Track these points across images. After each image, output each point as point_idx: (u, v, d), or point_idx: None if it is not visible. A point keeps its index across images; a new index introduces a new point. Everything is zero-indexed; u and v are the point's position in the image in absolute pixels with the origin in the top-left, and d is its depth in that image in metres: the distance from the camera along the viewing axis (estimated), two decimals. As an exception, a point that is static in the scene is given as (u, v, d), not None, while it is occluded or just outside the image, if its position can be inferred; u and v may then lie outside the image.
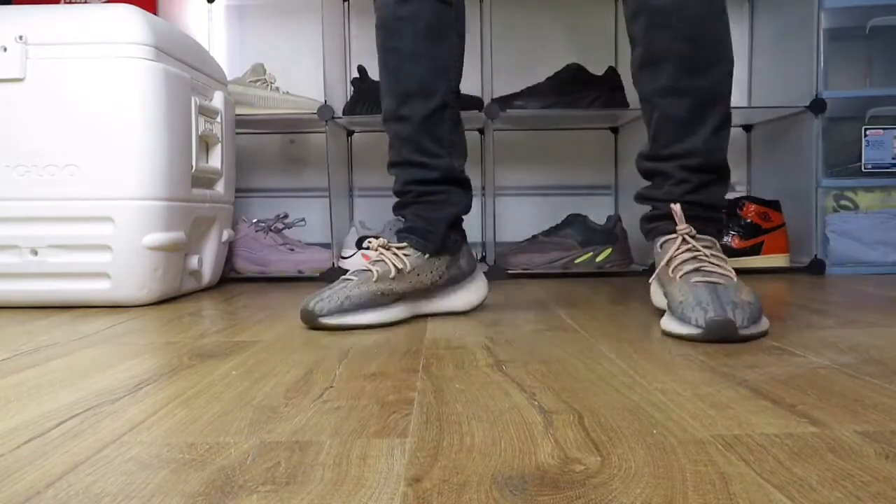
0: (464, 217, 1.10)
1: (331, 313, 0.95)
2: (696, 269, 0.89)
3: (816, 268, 1.62)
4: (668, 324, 0.87)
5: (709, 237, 0.95)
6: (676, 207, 0.93)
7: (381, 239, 1.04)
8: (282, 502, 0.39)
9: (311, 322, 0.95)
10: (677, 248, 0.93)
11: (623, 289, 1.39)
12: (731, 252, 1.64)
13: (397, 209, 1.09)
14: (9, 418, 0.56)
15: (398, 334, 0.92)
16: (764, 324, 0.86)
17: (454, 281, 1.08)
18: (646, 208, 1.03)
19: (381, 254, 1.02)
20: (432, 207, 1.06)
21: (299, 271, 1.64)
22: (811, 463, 0.43)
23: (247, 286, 1.53)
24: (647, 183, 1.04)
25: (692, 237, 0.93)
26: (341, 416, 0.55)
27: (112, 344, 0.88)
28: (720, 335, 0.80)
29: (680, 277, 0.89)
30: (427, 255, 1.04)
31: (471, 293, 1.10)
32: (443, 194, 1.06)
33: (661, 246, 0.97)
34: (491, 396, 0.60)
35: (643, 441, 0.48)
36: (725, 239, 1.66)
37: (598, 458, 0.45)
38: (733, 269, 0.92)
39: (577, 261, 1.64)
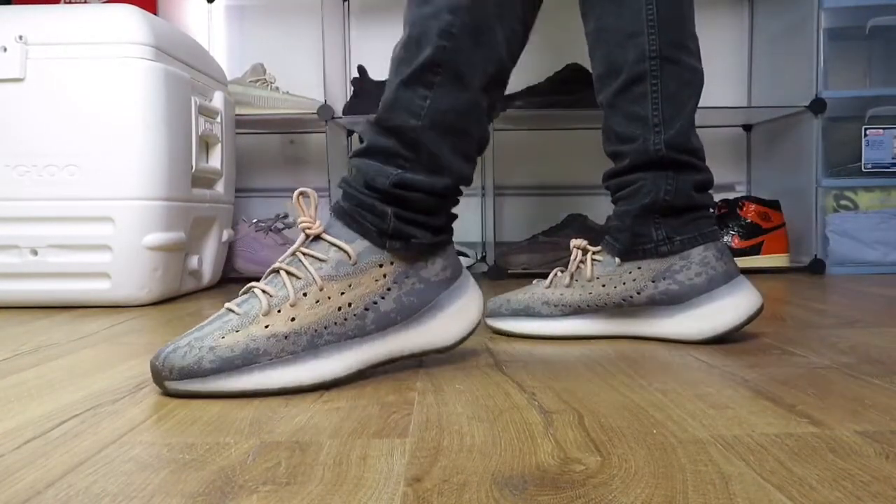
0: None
1: None
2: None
3: (816, 268, 1.62)
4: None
5: None
6: (295, 195, 0.72)
7: None
8: (282, 502, 0.39)
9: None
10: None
11: (623, 289, 1.39)
12: (731, 252, 1.64)
13: None
14: (9, 418, 0.56)
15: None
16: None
17: (669, 300, 0.84)
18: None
19: None
20: None
21: (299, 271, 1.63)
22: (811, 463, 0.43)
23: (247, 286, 1.52)
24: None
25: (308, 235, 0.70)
26: (341, 416, 0.55)
27: (112, 344, 0.88)
28: (155, 378, 0.63)
29: None
30: (616, 260, 0.87)
31: (697, 319, 0.82)
32: None
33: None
34: (491, 396, 0.60)
35: (643, 441, 0.48)
36: (725, 238, 1.66)
37: (598, 458, 0.45)
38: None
39: (578, 261, 1.64)
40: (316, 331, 0.64)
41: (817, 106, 1.60)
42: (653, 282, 0.83)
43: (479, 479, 0.42)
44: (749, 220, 1.66)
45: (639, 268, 0.84)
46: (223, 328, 0.62)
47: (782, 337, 0.85)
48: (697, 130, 0.86)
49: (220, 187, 1.48)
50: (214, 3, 1.90)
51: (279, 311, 0.63)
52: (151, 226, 1.21)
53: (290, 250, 0.67)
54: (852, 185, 1.64)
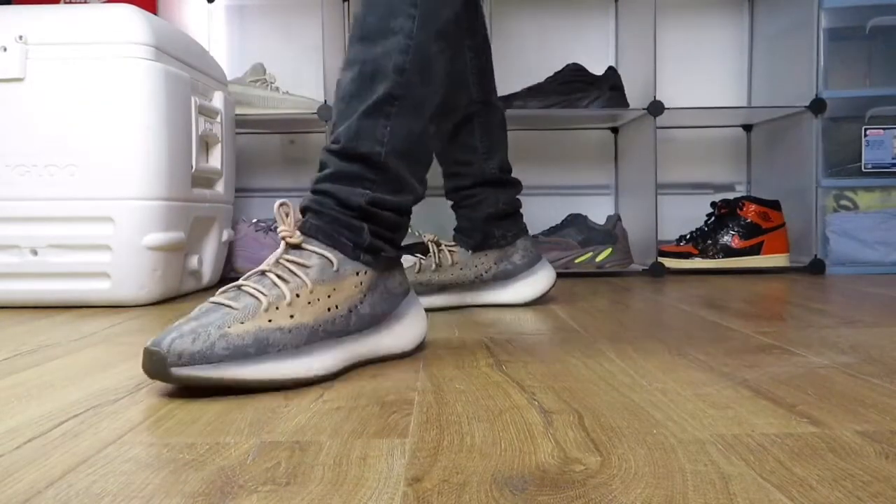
0: (517, 213, 1.20)
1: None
2: (239, 287, 0.69)
3: (816, 268, 1.62)
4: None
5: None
6: (276, 204, 0.76)
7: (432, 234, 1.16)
8: (282, 502, 0.39)
9: None
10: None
11: (623, 289, 1.39)
12: (731, 252, 1.64)
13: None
14: (9, 418, 0.56)
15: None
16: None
17: (505, 276, 1.16)
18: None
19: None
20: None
21: (299, 271, 1.63)
22: (811, 463, 0.43)
23: (247, 286, 1.52)
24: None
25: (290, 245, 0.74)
26: (341, 416, 0.55)
27: (112, 344, 0.88)
28: (149, 369, 0.61)
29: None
30: (470, 251, 1.15)
31: (524, 287, 1.17)
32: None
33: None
34: (491, 396, 0.60)
35: (643, 441, 0.48)
36: (726, 238, 1.66)
37: (598, 458, 0.45)
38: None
39: (577, 260, 1.64)
40: (313, 328, 0.67)
41: (817, 106, 1.60)
42: (495, 264, 1.17)
43: (479, 479, 0.42)
44: (749, 220, 1.66)
45: (486, 255, 1.16)
46: (226, 319, 0.63)
47: (782, 337, 0.85)
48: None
49: (220, 187, 1.48)
50: (214, 3, 1.90)
51: (277, 308, 0.66)
52: (151, 226, 1.21)
53: (271, 258, 0.70)
54: (852, 185, 1.64)
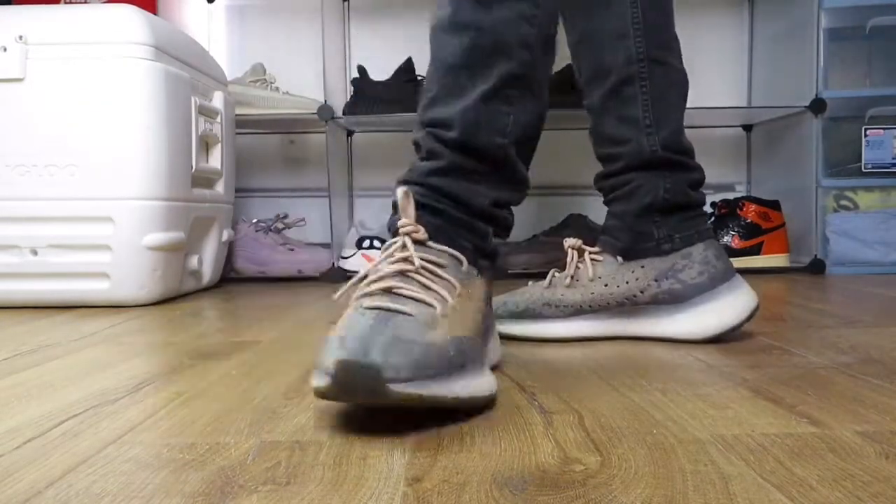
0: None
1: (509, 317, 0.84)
2: (388, 290, 0.58)
3: (816, 268, 1.62)
4: None
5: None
6: (399, 192, 0.64)
7: (573, 240, 0.87)
8: (282, 502, 0.39)
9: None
10: (385, 255, 0.61)
11: (623, 289, 1.39)
12: (731, 252, 1.64)
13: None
14: (9, 418, 0.56)
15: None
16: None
17: (673, 298, 0.82)
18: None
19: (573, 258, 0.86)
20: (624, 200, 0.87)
21: (299, 271, 1.64)
22: (811, 463, 0.43)
23: (247, 286, 1.53)
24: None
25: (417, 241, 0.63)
26: (341, 416, 0.55)
27: (112, 344, 0.88)
28: (354, 387, 0.49)
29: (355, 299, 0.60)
30: (618, 259, 0.84)
31: (702, 316, 0.82)
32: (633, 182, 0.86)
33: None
34: (491, 396, 0.60)
35: (643, 441, 0.48)
36: (725, 239, 1.66)
37: (599, 458, 0.45)
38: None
39: (578, 261, 1.64)
40: (475, 335, 0.59)
41: (817, 106, 1.60)
42: (656, 281, 0.82)
43: (479, 479, 0.42)
44: (749, 220, 1.66)
45: (642, 267, 0.83)
46: (418, 328, 0.53)
47: (782, 337, 0.85)
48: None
49: (220, 187, 1.48)
50: (214, 3, 1.90)
51: (444, 316, 0.56)
52: (151, 226, 1.21)
53: (396, 254, 0.59)
54: (852, 185, 1.64)
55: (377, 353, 0.49)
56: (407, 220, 0.60)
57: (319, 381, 0.49)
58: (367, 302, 0.55)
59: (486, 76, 0.64)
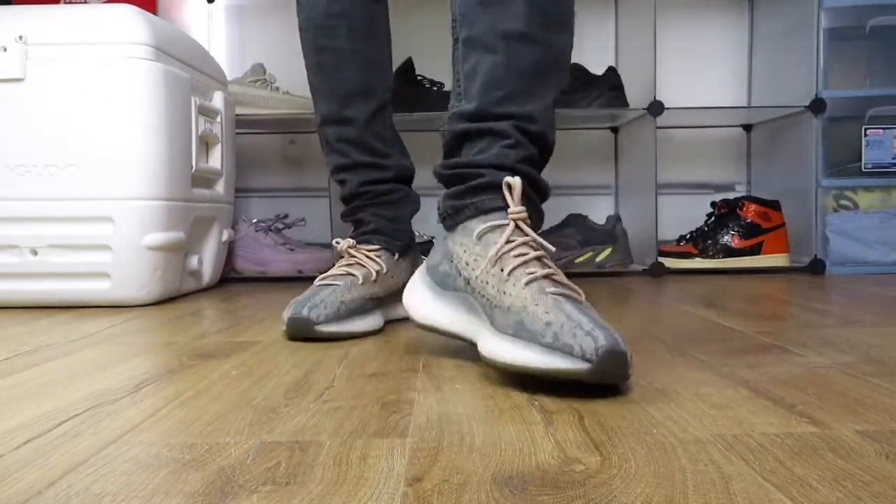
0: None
1: (328, 321, 0.87)
2: (547, 277, 0.66)
3: (816, 268, 1.62)
4: (516, 352, 0.62)
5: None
6: (516, 180, 0.70)
7: (347, 240, 0.98)
8: (282, 502, 0.39)
9: (306, 331, 0.86)
10: (509, 240, 0.68)
11: (623, 289, 1.39)
12: (731, 252, 1.64)
13: (350, 214, 1.03)
14: (9, 418, 0.56)
15: (397, 335, 0.92)
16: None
17: None
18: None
19: (354, 256, 0.96)
20: (394, 206, 1.00)
21: (299, 271, 1.64)
22: (811, 463, 0.43)
23: (247, 286, 1.53)
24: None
25: (527, 226, 0.70)
26: (341, 416, 0.55)
27: (112, 344, 0.88)
28: (613, 372, 0.58)
29: (526, 285, 0.65)
30: (396, 256, 0.98)
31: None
32: (400, 192, 1.01)
33: (481, 234, 0.71)
34: (491, 396, 0.60)
35: (643, 441, 0.48)
36: (726, 238, 1.66)
37: (599, 458, 0.45)
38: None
39: (577, 261, 1.64)
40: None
41: (817, 106, 1.60)
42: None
43: (479, 479, 0.42)
44: (749, 220, 1.66)
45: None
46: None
47: (782, 337, 0.85)
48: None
49: (220, 187, 1.48)
50: (214, 3, 1.90)
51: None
52: (151, 226, 1.21)
53: (524, 238, 0.69)
54: (852, 185, 1.64)
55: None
56: (518, 208, 0.70)
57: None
58: (555, 288, 0.65)
59: (554, 86, 0.78)
